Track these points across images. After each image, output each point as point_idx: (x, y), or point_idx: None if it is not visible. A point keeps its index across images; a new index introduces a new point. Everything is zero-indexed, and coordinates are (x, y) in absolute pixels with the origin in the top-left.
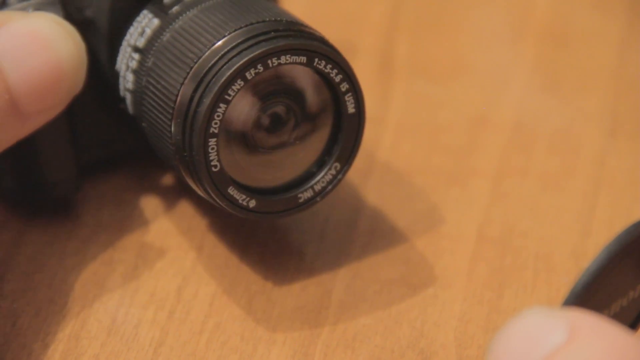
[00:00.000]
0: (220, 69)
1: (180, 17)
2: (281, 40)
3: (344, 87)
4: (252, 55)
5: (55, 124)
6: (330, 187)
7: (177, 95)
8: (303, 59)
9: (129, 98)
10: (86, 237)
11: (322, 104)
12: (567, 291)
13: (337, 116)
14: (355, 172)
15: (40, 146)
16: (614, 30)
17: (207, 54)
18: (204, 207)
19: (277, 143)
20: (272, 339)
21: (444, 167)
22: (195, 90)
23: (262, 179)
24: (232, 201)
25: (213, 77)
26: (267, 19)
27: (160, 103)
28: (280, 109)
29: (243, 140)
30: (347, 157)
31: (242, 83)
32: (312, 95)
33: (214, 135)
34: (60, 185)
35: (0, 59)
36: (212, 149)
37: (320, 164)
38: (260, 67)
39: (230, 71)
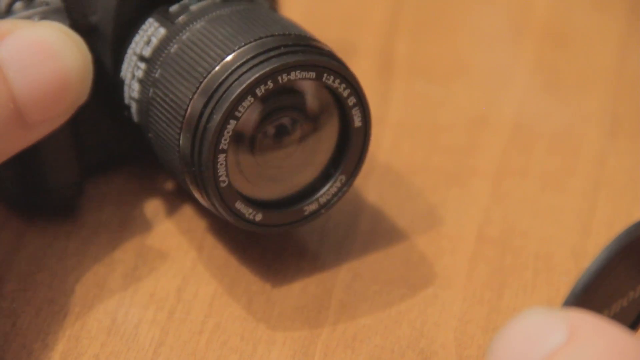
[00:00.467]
0: (230, 86)
1: (188, 28)
2: (291, 56)
3: (352, 101)
4: (262, 72)
5: (59, 129)
6: (335, 199)
7: (186, 110)
8: (312, 74)
9: (134, 107)
10: (86, 237)
11: (328, 117)
12: (567, 291)
13: (344, 129)
14: None
15: (43, 151)
16: (614, 30)
17: (217, 68)
18: (204, 207)
19: (284, 155)
20: (272, 339)
21: (444, 167)
22: (205, 106)
23: (268, 192)
24: (239, 215)
25: (223, 93)
26: (276, 33)
27: (169, 116)
28: (287, 121)
29: (251, 153)
30: (353, 169)
31: (252, 99)
32: (319, 109)
33: (223, 151)
34: (62, 190)
35: (6, 67)
36: (221, 164)
37: (325, 176)
38: (270, 84)
39: (241, 88)
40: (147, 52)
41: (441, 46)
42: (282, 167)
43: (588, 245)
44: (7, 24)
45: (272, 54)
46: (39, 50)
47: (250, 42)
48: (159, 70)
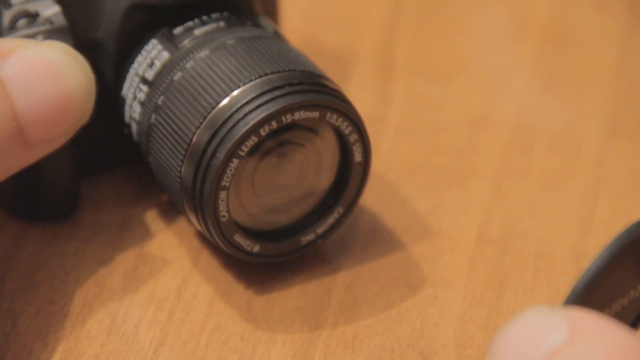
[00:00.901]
0: (236, 124)
1: (191, 55)
2: (296, 96)
3: (353, 137)
4: (267, 113)
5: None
6: (332, 230)
7: (189, 143)
8: (316, 114)
9: (134, 127)
10: (86, 237)
11: (330, 151)
12: (568, 291)
13: (344, 163)
14: None
15: (42, 163)
16: (614, 30)
17: (222, 103)
18: None
19: (284, 187)
20: (272, 339)
21: (444, 167)
22: (209, 141)
23: (266, 223)
24: (237, 247)
25: (228, 131)
26: (281, 70)
27: (171, 146)
28: (288, 154)
29: (252, 187)
30: (351, 202)
31: (255, 139)
32: (321, 143)
33: (225, 188)
34: (60, 201)
35: (9, 86)
36: (222, 200)
37: (323, 207)
38: (274, 124)
39: (246, 128)
40: (149, 75)
41: (441, 46)
42: (282, 198)
43: (588, 245)
44: (11, 42)
45: (277, 93)
46: (42, 69)
47: (256, 78)
48: (161, 97)
